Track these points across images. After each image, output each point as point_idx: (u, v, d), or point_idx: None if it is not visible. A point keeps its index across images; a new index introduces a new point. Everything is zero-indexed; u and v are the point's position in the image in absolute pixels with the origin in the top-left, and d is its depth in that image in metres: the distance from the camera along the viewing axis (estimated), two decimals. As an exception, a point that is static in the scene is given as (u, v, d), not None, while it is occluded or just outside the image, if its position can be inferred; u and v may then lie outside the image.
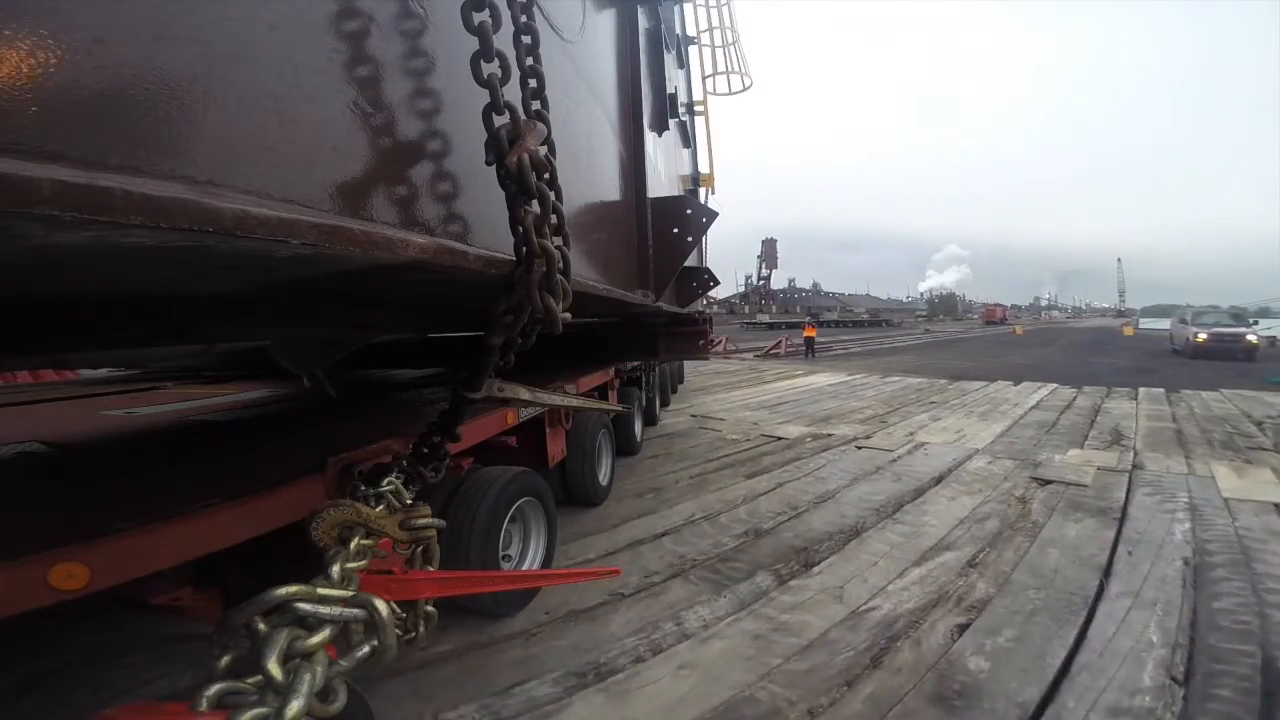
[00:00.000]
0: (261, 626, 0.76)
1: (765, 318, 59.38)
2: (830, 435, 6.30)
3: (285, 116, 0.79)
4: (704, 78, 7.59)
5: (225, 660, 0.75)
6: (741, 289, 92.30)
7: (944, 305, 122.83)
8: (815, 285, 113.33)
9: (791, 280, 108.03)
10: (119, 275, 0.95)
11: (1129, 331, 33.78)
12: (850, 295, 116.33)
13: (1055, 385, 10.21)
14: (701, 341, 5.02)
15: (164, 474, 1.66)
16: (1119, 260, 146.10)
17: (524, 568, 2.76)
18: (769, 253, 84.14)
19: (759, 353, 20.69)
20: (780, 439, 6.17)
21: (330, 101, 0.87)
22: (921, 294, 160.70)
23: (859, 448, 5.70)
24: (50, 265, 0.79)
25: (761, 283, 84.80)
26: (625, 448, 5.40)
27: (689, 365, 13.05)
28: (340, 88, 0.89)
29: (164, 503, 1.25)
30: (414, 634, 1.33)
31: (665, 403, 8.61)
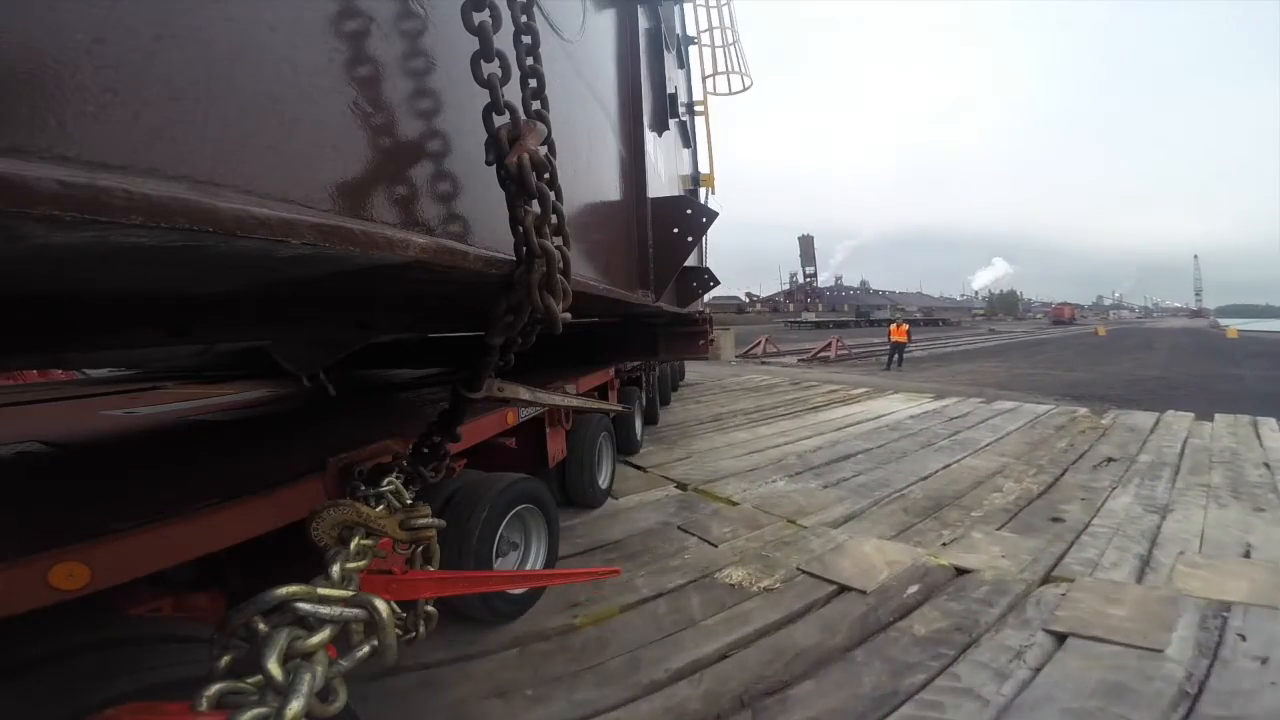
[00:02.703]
0: (261, 626, 0.76)
1: (811, 316, 57.47)
2: (968, 577, 2.90)
3: (285, 116, 0.79)
4: (704, 78, 7.58)
5: (225, 660, 0.75)
6: (785, 286, 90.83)
7: (1004, 303, 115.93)
8: (863, 283, 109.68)
9: (838, 278, 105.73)
10: (119, 275, 0.95)
11: (1232, 334, 30.06)
12: (901, 293, 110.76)
13: (1273, 420, 6.47)
14: (701, 341, 5.02)
15: (164, 474, 1.66)
16: (1195, 257, 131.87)
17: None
18: (806, 250, 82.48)
19: (804, 356, 17.29)
20: (847, 589, 2.79)
21: (330, 101, 0.87)
22: (976, 292, 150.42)
23: (1066, 636, 2.36)
24: (50, 265, 0.79)
25: (807, 280, 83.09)
26: (625, 447, 5.40)
27: (705, 383, 11.13)
28: (340, 88, 0.89)
29: (164, 503, 1.25)
30: (414, 634, 1.33)
31: (665, 400, 8.57)
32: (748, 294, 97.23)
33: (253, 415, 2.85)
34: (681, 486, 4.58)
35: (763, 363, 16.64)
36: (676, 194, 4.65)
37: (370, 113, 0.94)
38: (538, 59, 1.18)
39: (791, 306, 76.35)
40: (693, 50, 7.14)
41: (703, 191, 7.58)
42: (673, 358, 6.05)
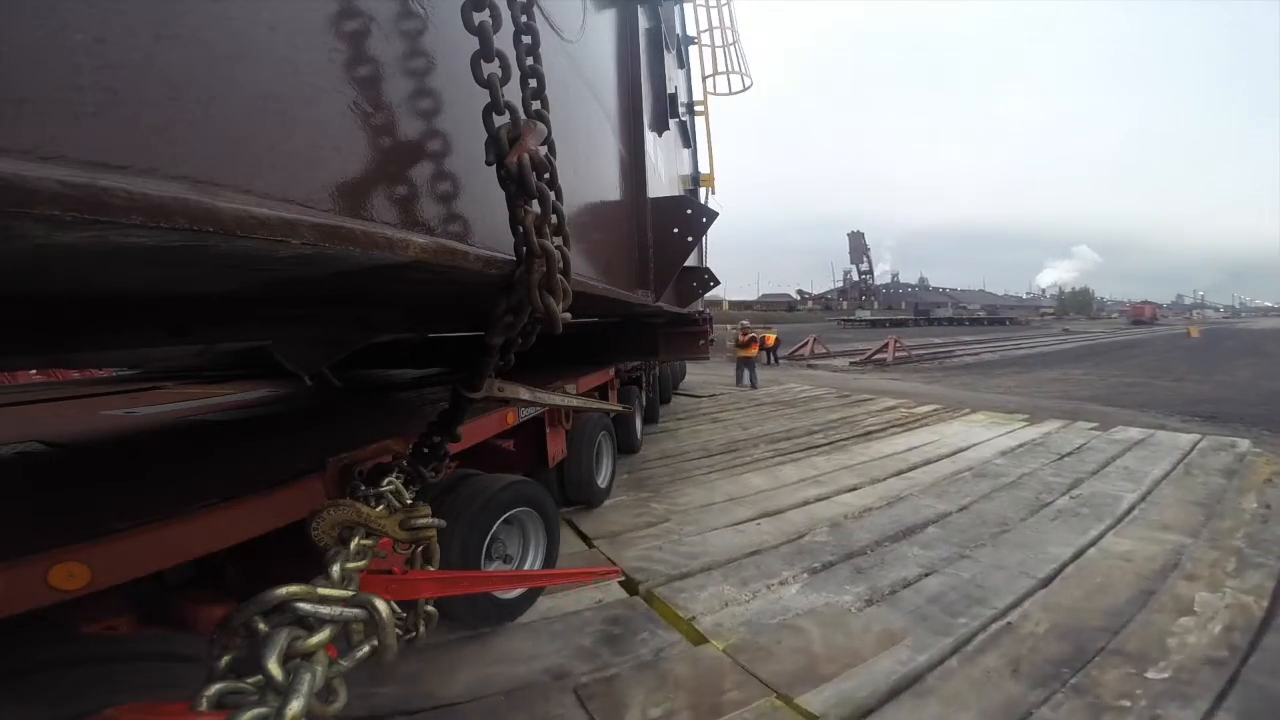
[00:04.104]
0: (262, 626, 0.76)
1: (866, 314, 55.74)
2: None
3: (285, 116, 0.79)
4: (704, 78, 7.60)
5: (225, 660, 0.75)
6: (839, 284, 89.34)
7: (1076, 302, 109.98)
8: (922, 279, 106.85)
9: (894, 275, 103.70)
10: (119, 275, 0.95)
11: None
12: (963, 291, 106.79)
13: None
14: (701, 341, 5.02)
15: (164, 474, 1.66)
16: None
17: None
18: (856, 246, 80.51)
19: (858, 359, 15.53)
20: None
21: (330, 101, 0.87)
22: (1044, 289, 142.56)
23: None
24: (51, 265, 0.79)
25: (862, 277, 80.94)
26: (626, 446, 5.40)
27: (731, 393, 9.89)
28: (340, 88, 0.89)
29: (164, 503, 1.25)
30: (414, 634, 1.33)
31: (666, 399, 8.53)
32: (799, 291, 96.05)
33: (253, 415, 2.85)
34: (629, 586, 2.90)
35: (809, 365, 15.12)
36: (676, 194, 4.65)
37: (370, 113, 0.94)
38: (538, 59, 1.18)
39: (845, 304, 74.82)
40: (693, 50, 7.15)
41: (703, 191, 7.59)
42: (673, 358, 6.04)
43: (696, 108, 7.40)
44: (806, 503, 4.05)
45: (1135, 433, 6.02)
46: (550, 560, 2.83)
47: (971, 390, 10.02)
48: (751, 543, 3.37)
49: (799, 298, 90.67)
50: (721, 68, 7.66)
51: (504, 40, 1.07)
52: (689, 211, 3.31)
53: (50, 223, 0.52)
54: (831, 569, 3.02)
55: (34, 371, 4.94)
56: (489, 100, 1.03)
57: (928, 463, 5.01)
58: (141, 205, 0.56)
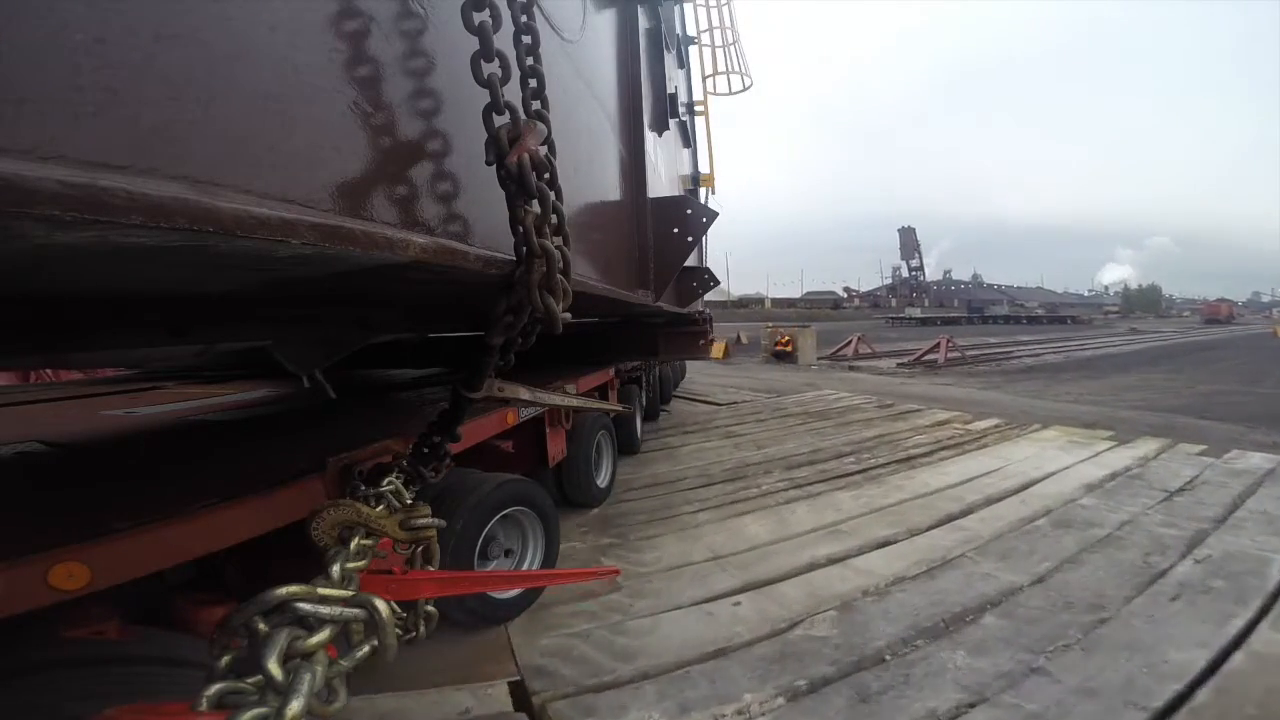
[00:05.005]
0: (261, 626, 0.76)
1: (916, 312, 53.09)
2: None
3: (285, 116, 0.79)
4: (704, 78, 7.60)
5: (225, 660, 0.75)
6: (887, 281, 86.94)
7: (1143, 299, 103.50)
8: (975, 276, 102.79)
9: (947, 272, 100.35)
10: (119, 275, 0.95)
11: None
12: (1018, 288, 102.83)
13: None
14: (701, 341, 5.03)
15: (164, 474, 1.66)
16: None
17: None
18: (907, 242, 78.00)
19: (906, 360, 14.27)
20: None
21: (330, 101, 0.87)
22: (1106, 287, 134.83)
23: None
24: (51, 265, 0.79)
25: (912, 274, 78.12)
26: (626, 446, 5.39)
27: (757, 400, 8.78)
28: (340, 88, 0.89)
29: (164, 503, 1.25)
30: (414, 634, 1.33)
31: (665, 399, 8.53)
32: (845, 288, 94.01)
33: (253, 415, 2.85)
34: (520, 695, 1.98)
35: (851, 367, 13.57)
36: (676, 194, 4.65)
37: (370, 113, 0.94)
38: (538, 59, 1.18)
39: (894, 302, 72.70)
40: (693, 50, 7.16)
41: (703, 191, 7.59)
42: (673, 358, 6.03)
43: (696, 108, 7.41)
44: (814, 566, 2.93)
45: (1259, 460, 4.56)
46: (550, 560, 2.83)
47: (1037, 398, 8.46)
48: (718, 635, 2.31)
49: (845, 295, 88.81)
50: (722, 68, 7.67)
51: (504, 40, 1.07)
52: (689, 211, 3.31)
53: (50, 223, 0.52)
54: (822, 691, 1.94)
55: (78, 373, 4.95)
56: (489, 100, 1.03)
57: (988, 503, 3.76)
58: (141, 205, 0.56)
